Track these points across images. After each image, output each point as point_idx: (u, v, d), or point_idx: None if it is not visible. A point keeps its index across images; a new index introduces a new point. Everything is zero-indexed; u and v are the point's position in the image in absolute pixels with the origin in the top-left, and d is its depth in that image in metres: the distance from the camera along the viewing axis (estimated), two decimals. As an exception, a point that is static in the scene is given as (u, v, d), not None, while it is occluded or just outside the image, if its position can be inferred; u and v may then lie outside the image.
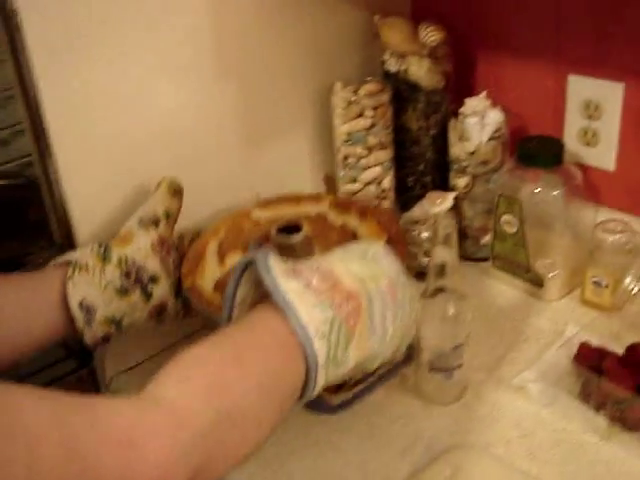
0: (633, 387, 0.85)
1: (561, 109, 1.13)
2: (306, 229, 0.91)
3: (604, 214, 1.10)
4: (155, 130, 1.00)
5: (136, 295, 0.87)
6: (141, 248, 0.88)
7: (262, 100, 1.11)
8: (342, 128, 1.13)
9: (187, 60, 1.01)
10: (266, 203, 1.07)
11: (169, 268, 0.91)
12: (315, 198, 1.07)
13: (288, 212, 1.04)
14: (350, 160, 1.15)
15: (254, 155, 1.13)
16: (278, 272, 0.64)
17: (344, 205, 1.04)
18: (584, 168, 1.12)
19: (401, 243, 0.94)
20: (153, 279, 0.88)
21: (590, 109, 1.09)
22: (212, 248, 0.99)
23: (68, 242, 0.96)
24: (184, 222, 1.00)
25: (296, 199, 1.06)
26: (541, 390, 0.92)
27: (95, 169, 0.96)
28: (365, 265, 0.69)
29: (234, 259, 0.97)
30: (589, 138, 1.11)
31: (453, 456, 0.85)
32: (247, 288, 0.69)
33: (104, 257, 0.87)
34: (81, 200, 0.95)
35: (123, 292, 0.86)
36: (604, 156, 1.10)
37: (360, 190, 1.16)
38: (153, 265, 0.89)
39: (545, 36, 1.11)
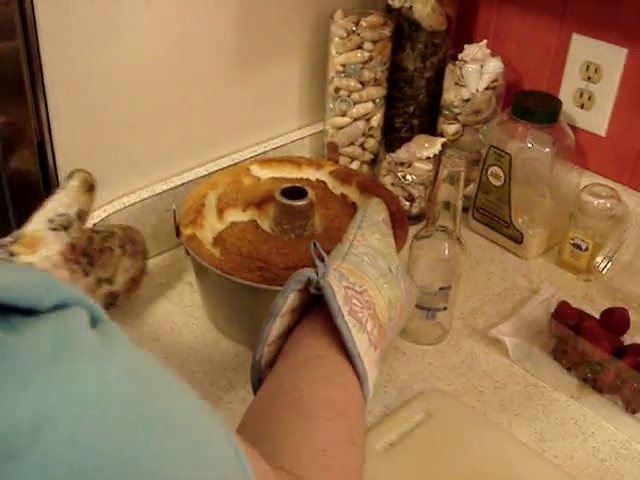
0: (610, 350, 0.86)
1: (560, 68, 1.11)
2: (310, 195, 0.92)
3: (590, 179, 1.10)
4: (147, 41, 0.95)
5: None
6: (50, 256, 0.80)
7: (260, 20, 1.06)
8: (338, 58, 1.09)
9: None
10: (267, 161, 1.04)
11: (78, 278, 0.83)
12: (316, 164, 1.04)
13: (288, 174, 1.02)
14: (342, 93, 1.11)
15: (244, 78, 1.09)
16: (342, 304, 0.64)
17: (345, 176, 1.02)
18: (575, 130, 1.11)
19: (402, 222, 0.93)
20: None
21: (590, 71, 1.08)
22: (211, 200, 0.96)
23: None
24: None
25: (297, 162, 1.04)
26: (516, 344, 0.92)
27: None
28: (390, 288, 0.71)
29: (233, 216, 0.95)
30: (584, 100, 1.10)
31: (426, 401, 0.85)
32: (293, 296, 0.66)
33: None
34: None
35: None
36: (597, 120, 1.10)
37: (347, 125, 1.13)
38: (61, 277, 0.79)
39: (554, -10, 1.09)
